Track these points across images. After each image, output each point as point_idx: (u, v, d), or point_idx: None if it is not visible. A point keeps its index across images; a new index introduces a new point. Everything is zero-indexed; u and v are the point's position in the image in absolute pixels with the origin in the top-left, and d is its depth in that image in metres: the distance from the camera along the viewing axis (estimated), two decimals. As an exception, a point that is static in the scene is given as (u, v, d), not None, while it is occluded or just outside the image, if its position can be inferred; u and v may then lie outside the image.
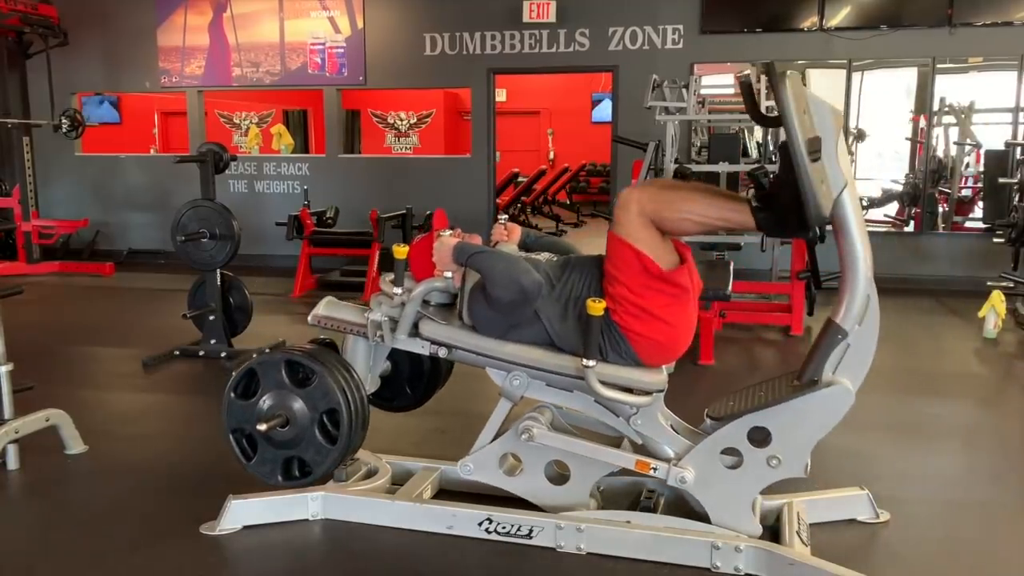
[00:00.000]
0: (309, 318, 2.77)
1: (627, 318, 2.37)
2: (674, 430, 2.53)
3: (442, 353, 2.61)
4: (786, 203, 2.21)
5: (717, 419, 2.42)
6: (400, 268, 2.58)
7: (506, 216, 3.10)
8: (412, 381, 2.99)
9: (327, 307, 2.77)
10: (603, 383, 2.38)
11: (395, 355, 2.85)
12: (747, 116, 8.71)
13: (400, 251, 2.57)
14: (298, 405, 2.58)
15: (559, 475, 2.63)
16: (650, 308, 2.36)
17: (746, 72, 2.40)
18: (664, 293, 2.37)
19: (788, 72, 2.13)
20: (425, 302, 2.62)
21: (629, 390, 2.42)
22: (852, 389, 2.29)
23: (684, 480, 2.42)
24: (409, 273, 2.64)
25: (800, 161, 2.12)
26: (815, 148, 2.15)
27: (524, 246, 2.87)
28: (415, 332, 2.61)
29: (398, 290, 2.58)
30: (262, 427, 2.55)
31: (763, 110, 6.16)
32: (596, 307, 2.29)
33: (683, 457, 2.44)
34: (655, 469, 2.45)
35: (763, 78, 6.76)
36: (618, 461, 2.52)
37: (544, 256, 2.70)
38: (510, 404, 2.62)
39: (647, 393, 2.43)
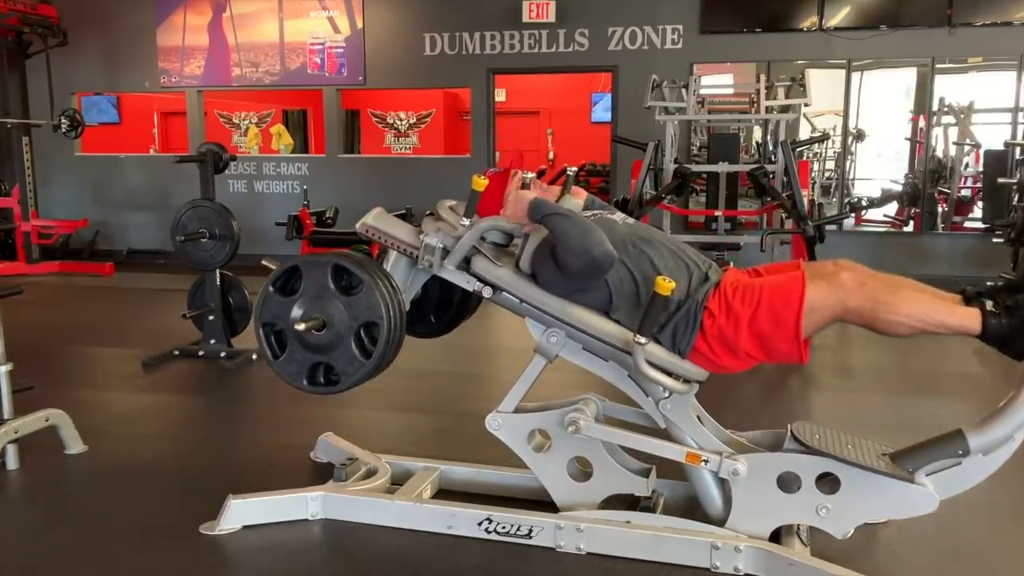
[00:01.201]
0: (357, 225, 2.67)
1: (716, 332, 2.30)
2: (700, 422, 2.51)
3: (486, 293, 2.53)
4: None
5: (802, 444, 2.34)
6: (474, 199, 2.49)
7: (575, 171, 2.98)
8: (439, 310, 2.90)
9: (377, 219, 2.67)
10: (648, 362, 2.34)
11: (428, 282, 2.75)
12: (746, 116, 8.69)
13: (480, 183, 2.48)
14: (338, 311, 2.49)
15: (580, 472, 2.60)
16: (741, 347, 2.30)
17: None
18: (763, 350, 2.30)
19: None
20: (482, 238, 2.55)
21: (668, 374, 2.38)
22: (937, 499, 2.23)
23: (737, 472, 2.35)
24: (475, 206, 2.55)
25: None
26: None
27: (588, 208, 2.80)
28: (465, 266, 2.55)
29: (465, 221, 2.51)
30: (300, 326, 2.45)
31: (764, 109, 6.19)
32: (664, 286, 2.21)
33: (743, 454, 2.39)
34: (707, 461, 2.39)
35: (763, 79, 6.77)
36: (667, 453, 2.46)
37: (619, 216, 2.62)
38: (544, 361, 2.56)
39: (686, 381, 2.41)
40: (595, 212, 2.68)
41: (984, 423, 2.18)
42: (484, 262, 2.52)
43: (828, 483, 2.31)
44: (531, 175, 2.60)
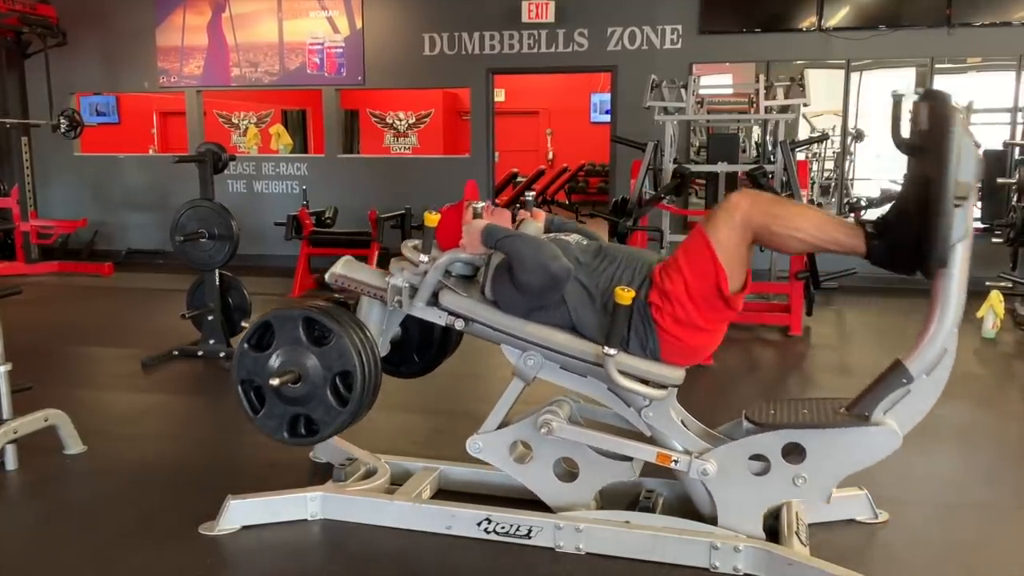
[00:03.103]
0: (327, 276, 2.72)
1: (668, 319, 2.34)
2: (684, 426, 2.53)
3: (459, 325, 2.57)
4: (906, 237, 2.15)
5: (756, 424, 2.38)
6: (429, 236, 2.54)
7: (533, 193, 3.06)
8: (421, 349, 2.96)
9: (345, 266, 2.72)
10: (621, 372, 2.36)
11: (406, 321, 2.80)
12: (746, 116, 8.67)
13: (431, 219, 2.52)
14: (312, 363, 2.54)
15: (567, 472, 2.62)
16: (695, 318, 2.34)
17: (900, 92, 2.30)
18: (716, 309, 2.34)
19: (958, 104, 2.05)
20: (447, 272, 2.59)
21: (645, 382, 2.40)
22: (900, 435, 2.26)
23: (706, 472, 2.39)
24: (435, 242, 2.60)
25: (944, 204, 2.04)
26: (963, 195, 2.07)
27: (548, 230, 2.83)
28: (434, 301, 2.58)
29: (424, 257, 2.54)
30: (275, 381, 2.49)
31: (763, 109, 6.19)
32: (624, 296, 2.26)
33: (709, 451, 2.42)
34: (676, 461, 2.43)
35: (763, 79, 6.78)
36: (638, 454, 2.49)
37: (574, 238, 2.66)
38: (523, 384, 2.59)
39: (663, 387, 2.42)
40: (551, 235, 2.71)
41: (915, 346, 2.23)
42: (451, 295, 2.57)
43: (795, 454, 2.35)
44: (481, 204, 2.62)
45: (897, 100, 2.32)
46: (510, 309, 2.50)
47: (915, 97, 2.30)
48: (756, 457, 2.39)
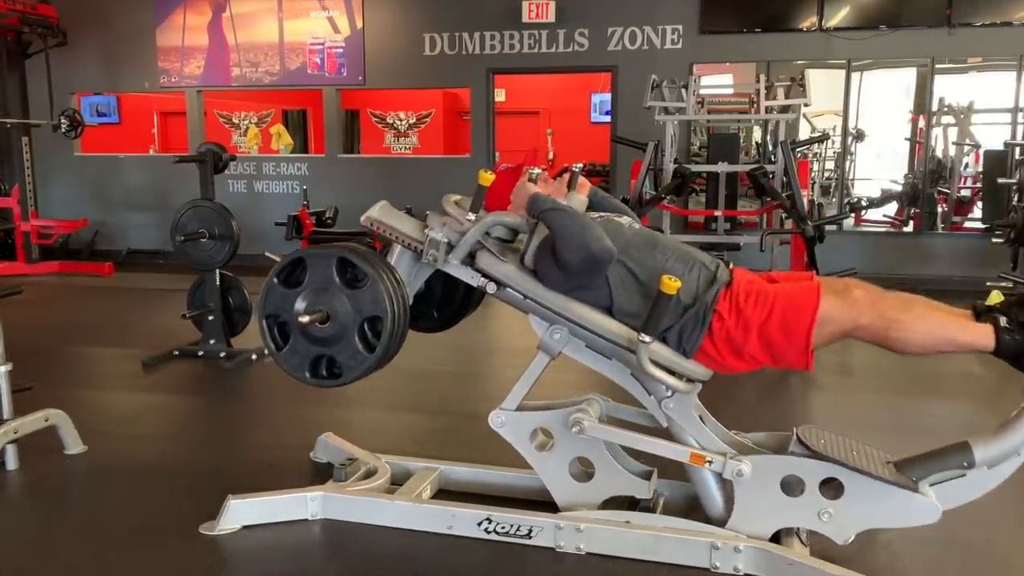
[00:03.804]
0: (362, 218, 2.66)
1: (723, 335, 2.30)
2: (702, 421, 2.51)
3: (491, 289, 2.52)
4: None
5: (807, 447, 2.33)
6: (481, 194, 2.49)
7: (580, 166, 2.97)
8: (441, 305, 2.90)
9: (382, 212, 2.66)
10: (651, 361, 2.33)
11: (432, 276, 2.75)
12: (746, 116, 8.68)
13: (486, 177, 2.47)
14: (343, 305, 2.48)
15: (582, 472, 2.60)
16: (750, 351, 2.30)
17: None
18: (772, 355, 2.31)
19: None
20: (486, 233, 2.54)
21: (672, 373, 2.38)
22: (940, 510, 2.22)
23: (741, 473, 2.35)
24: (483, 202, 2.55)
25: None
26: None
27: (591, 202, 2.79)
28: (469, 261, 2.54)
29: (471, 215, 2.50)
30: (304, 319, 2.45)
31: (764, 109, 6.19)
32: (671, 285, 2.21)
33: (747, 455, 2.39)
34: (711, 462, 2.39)
35: (763, 79, 6.77)
36: (671, 454, 2.45)
37: (626, 220, 2.62)
38: (547, 359, 2.55)
39: (689, 380, 2.40)
40: (601, 215, 2.66)
41: (991, 436, 2.18)
42: (488, 257, 2.51)
43: (832, 488, 2.31)
44: (538, 171, 2.58)
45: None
46: (551, 284, 2.43)
47: None
48: (793, 478, 2.35)
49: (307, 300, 2.51)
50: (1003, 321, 2.15)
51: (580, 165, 2.98)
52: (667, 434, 2.50)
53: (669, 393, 2.42)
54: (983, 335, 2.18)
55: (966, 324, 2.22)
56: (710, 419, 2.59)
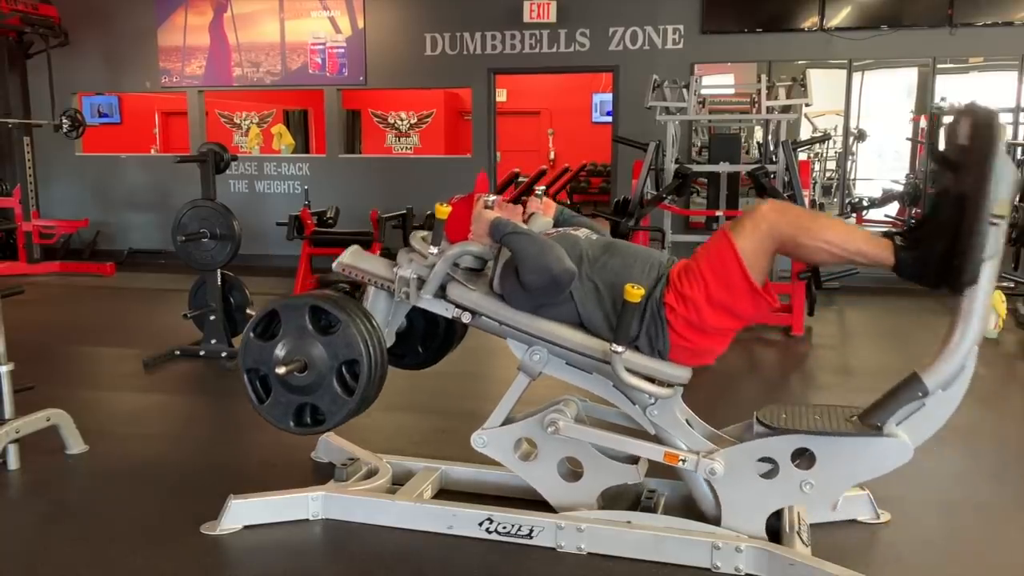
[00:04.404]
0: (334, 265, 2.71)
1: (682, 322, 2.34)
2: (689, 425, 2.52)
3: (465, 318, 2.57)
4: (936, 253, 2.13)
5: (767, 427, 2.37)
6: (440, 228, 2.53)
7: (543, 188, 3.05)
8: (425, 340, 2.96)
9: (353, 256, 2.72)
10: (628, 370, 2.36)
11: (412, 313, 2.79)
12: (747, 116, 8.69)
13: (442, 210, 2.52)
14: (318, 352, 2.53)
15: (571, 472, 2.62)
16: (711, 322, 2.33)
17: (946, 103, 2.30)
18: (733, 315, 2.34)
19: (998, 120, 2.04)
20: (455, 264, 2.58)
21: (651, 380, 2.40)
22: (911, 447, 2.25)
23: (714, 472, 2.38)
24: (444, 234, 2.59)
25: (980, 223, 2.03)
26: (1001, 214, 2.06)
27: (557, 222, 2.83)
28: (441, 293, 2.58)
29: (433, 249, 2.54)
30: (281, 370, 2.49)
31: (765, 109, 6.19)
32: (634, 293, 2.25)
33: (714, 451, 2.41)
34: (684, 461, 2.42)
35: (764, 79, 6.77)
36: (645, 453, 2.49)
37: (583, 232, 2.66)
38: (528, 379, 2.59)
39: (669, 385, 2.42)
40: (558, 230, 2.71)
41: (935, 360, 2.21)
42: (459, 288, 2.56)
43: (804, 459, 2.35)
44: (493, 197, 2.63)
45: (941, 113, 2.31)
46: (516, 304, 2.49)
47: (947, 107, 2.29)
48: (765, 460, 2.38)
49: (284, 351, 2.57)
50: (898, 240, 2.23)
51: (543, 188, 3.06)
52: (643, 433, 2.54)
53: (652, 400, 2.45)
54: (885, 249, 2.23)
55: (871, 238, 2.28)
56: (698, 421, 2.61)
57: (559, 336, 2.47)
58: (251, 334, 2.61)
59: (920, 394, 2.23)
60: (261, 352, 2.59)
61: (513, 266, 2.44)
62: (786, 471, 2.36)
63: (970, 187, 2.06)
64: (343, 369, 2.54)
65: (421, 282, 2.59)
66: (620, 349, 2.33)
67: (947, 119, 2.26)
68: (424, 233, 2.64)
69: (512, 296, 2.49)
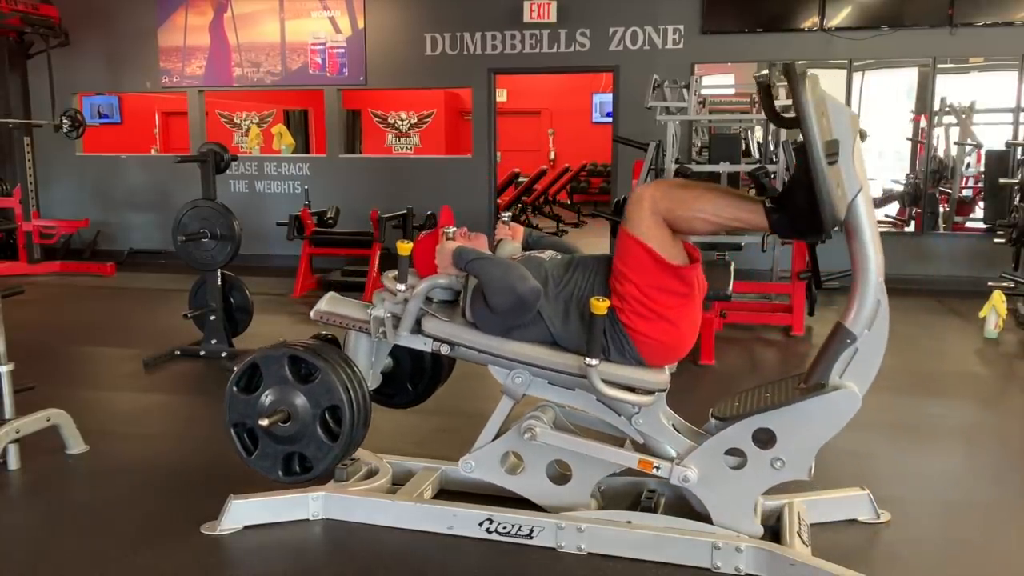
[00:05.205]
0: (311, 313, 2.77)
1: (633, 317, 2.37)
2: (676, 430, 2.53)
3: (444, 350, 2.60)
4: (800, 205, 2.20)
5: (722, 419, 2.41)
6: (404, 264, 2.58)
7: (509, 214, 3.11)
8: (414, 377, 2.99)
9: (329, 303, 2.77)
10: (606, 382, 2.38)
11: (397, 351, 2.84)
12: (748, 116, 8.69)
13: (404, 247, 2.57)
14: (300, 401, 2.57)
15: (561, 475, 2.63)
16: (657, 308, 2.36)
17: (764, 72, 2.40)
18: (672, 293, 2.37)
19: (808, 73, 2.10)
20: (428, 299, 2.62)
21: (632, 389, 2.42)
22: (859, 394, 2.29)
23: (687, 479, 2.42)
24: (413, 269, 2.64)
25: (817, 164, 2.10)
26: (832, 151, 2.14)
27: (526, 245, 2.87)
28: (418, 329, 2.60)
29: (401, 286, 2.58)
30: (264, 422, 2.54)
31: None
32: (600, 306, 2.29)
33: (686, 456, 2.44)
34: (658, 468, 2.45)
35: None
36: (620, 460, 2.52)
37: (548, 255, 2.70)
38: (512, 402, 2.61)
39: (649, 392, 2.43)
40: (524, 254, 2.74)
41: (849, 306, 2.28)
42: (433, 321, 2.59)
43: (766, 439, 2.37)
44: (453, 229, 2.65)
45: (764, 82, 2.39)
46: (488, 328, 2.52)
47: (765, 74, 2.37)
48: (731, 452, 2.41)
49: (267, 402, 2.60)
50: (768, 202, 2.28)
51: (508, 214, 3.11)
52: (620, 439, 2.58)
53: (636, 410, 2.47)
54: (759, 213, 2.29)
55: (745, 203, 2.33)
56: (684, 424, 2.62)
57: (535, 357, 2.49)
58: (234, 388, 2.66)
59: (849, 341, 2.29)
60: (245, 406, 2.64)
61: (481, 291, 2.46)
62: (753, 456, 2.38)
63: (804, 136, 2.12)
64: (326, 415, 2.58)
65: (396, 320, 2.62)
66: (594, 362, 2.36)
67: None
68: (394, 272, 2.66)
69: (483, 321, 2.51)
